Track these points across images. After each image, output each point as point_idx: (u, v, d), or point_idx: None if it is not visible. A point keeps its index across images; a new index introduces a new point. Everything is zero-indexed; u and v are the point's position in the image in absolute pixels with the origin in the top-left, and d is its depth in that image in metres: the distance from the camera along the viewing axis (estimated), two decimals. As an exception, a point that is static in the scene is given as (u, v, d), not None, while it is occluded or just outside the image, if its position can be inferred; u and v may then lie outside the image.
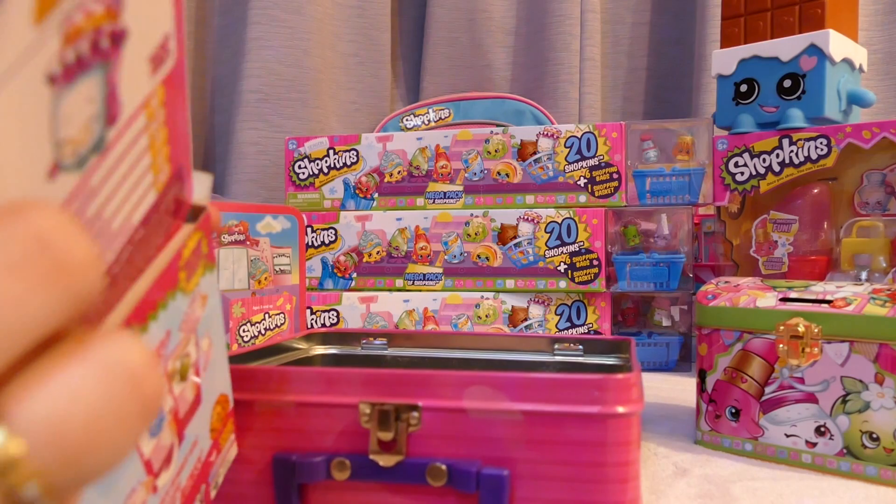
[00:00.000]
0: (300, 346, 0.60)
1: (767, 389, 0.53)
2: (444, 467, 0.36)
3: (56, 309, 0.12)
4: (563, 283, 0.90)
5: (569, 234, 0.89)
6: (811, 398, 0.51)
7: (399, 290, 0.95)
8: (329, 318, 0.96)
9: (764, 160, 0.81)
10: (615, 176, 0.89)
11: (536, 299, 0.91)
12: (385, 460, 0.37)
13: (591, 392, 0.36)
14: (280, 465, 0.38)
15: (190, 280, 0.25)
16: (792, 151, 0.79)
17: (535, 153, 0.91)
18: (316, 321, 0.96)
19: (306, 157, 0.98)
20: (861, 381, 0.49)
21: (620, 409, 0.36)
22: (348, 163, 0.97)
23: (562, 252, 0.89)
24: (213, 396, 0.30)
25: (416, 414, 0.37)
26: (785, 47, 0.79)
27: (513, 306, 0.91)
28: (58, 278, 0.12)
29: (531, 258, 0.90)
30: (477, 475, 0.36)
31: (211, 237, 0.28)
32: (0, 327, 0.12)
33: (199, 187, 0.26)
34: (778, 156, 0.80)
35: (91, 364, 0.13)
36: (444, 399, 0.37)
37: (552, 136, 0.91)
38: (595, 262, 0.88)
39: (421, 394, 0.37)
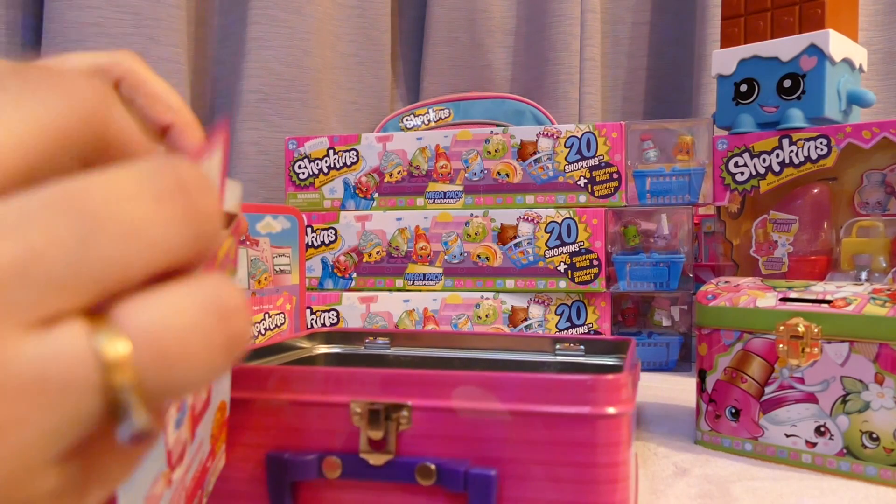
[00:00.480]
0: (303, 345, 0.60)
1: (767, 389, 0.53)
2: (433, 466, 0.36)
3: (185, 243, 0.14)
4: (563, 283, 0.90)
5: (569, 234, 0.89)
6: (811, 398, 0.51)
7: (399, 290, 0.95)
8: (329, 318, 0.96)
9: (764, 160, 0.81)
10: (615, 176, 0.89)
11: (536, 299, 0.91)
12: (375, 459, 0.37)
13: (581, 393, 0.36)
14: (273, 463, 0.38)
15: None
16: (792, 151, 0.79)
17: (535, 153, 0.91)
18: (316, 321, 0.96)
19: (306, 157, 0.98)
20: (861, 381, 0.49)
21: (610, 410, 0.36)
22: (348, 163, 0.97)
23: (562, 252, 0.89)
24: (217, 401, 0.30)
25: (405, 413, 0.37)
26: (785, 47, 0.79)
27: (513, 306, 0.91)
28: (192, 217, 0.14)
29: (531, 258, 0.90)
30: (465, 475, 0.36)
31: (238, 243, 0.29)
32: (142, 246, 0.13)
33: (231, 195, 0.27)
34: (778, 156, 0.80)
35: (192, 291, 0.14)
36: (434, 399, 0.37)
37: (552, 136, 0.91)
38: (595, 262, 0.88)
39: (411, 393, 0.37)
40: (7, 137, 0.13)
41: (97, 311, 0.13)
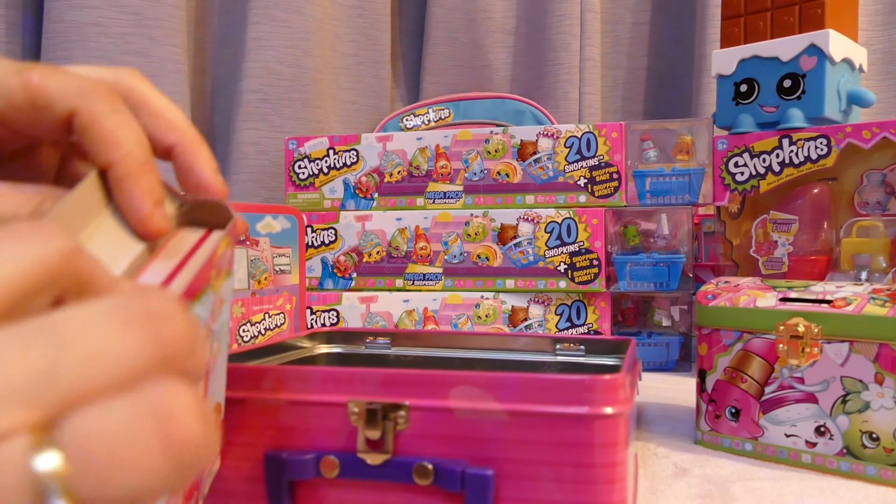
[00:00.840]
0: (304, 345, 0.60)
1: (767, 389, 0.53)
2: (430, 466, 0.36)
3: (149, 360, 0.15)
4: (563, 283, 0.90)
5: (569, 234, 0.89)
6: (811, 398, 0.51)
7: (399, 290, 0.95)
8: (329, 318, 0.96)
9: (764, 160, 0.81)
10: (615, 176, 0.89)
11: (536, 299, 0.91)
12: (373, 458, 0.37)
13: (578, 393, 0.36)
14: (271, 462, 0.38)
15: (217, 279, 0.27)
16: (792, 151, 0.79)
17: (535, 153, 0.91)
18: (316, 321, 0.96)
19: (306, 157, 0.98)
20: (861, 381, 0.49)
21: (608, 410, 0.36)
22: (348, 163, 0.97)
23: (562, 252, 0.89)
24: (212, 403, 0.30)
25: (403, 413, 0.37)
26: (785, 47, 0.79)
27: (513, 306, 0.91)
28: (159, 340, 0.15)
29: (531, 258, 0.90)
30: (462, 474, 0.36)
31: (234, 244, 0.29)
32: (106, 365, 0.14)
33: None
34: (778, 156, 0.80)
35: (130, 397, 0.14)
36: (432, 398, 0.37)
37: (552, 136, 0.91)
38: (595, 262, 0.88)
39: (409, 393, 0.37)
40: None
41: (47, 422, 0.14)
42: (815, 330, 0.50)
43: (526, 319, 0.91)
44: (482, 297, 0.92)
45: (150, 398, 0.15)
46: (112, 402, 0.14)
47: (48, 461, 0.13)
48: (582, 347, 0.58)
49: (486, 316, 0.92)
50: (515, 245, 0.91)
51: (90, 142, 0.24)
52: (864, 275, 0.73)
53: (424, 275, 0.94)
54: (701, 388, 0.56)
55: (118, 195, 0.24)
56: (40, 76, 0.24)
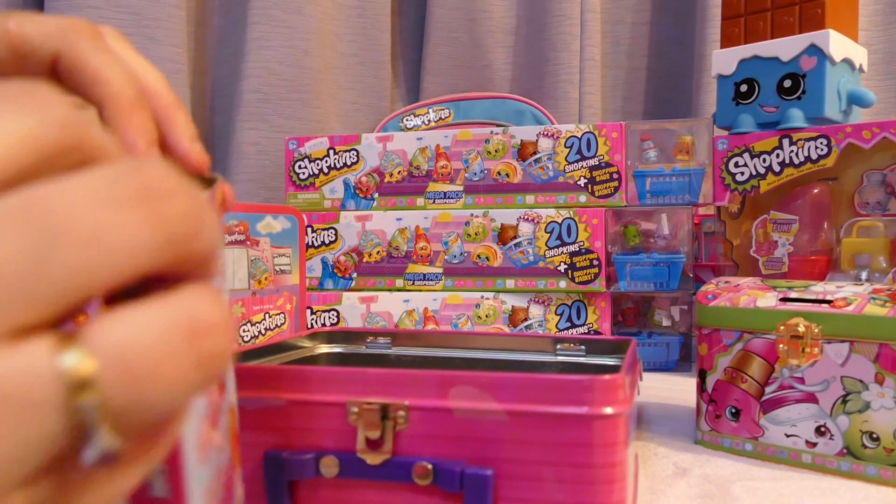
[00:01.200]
0: (305, 345, 0.60)
1: (767, 389, 0.53)
2: (429, 466, 0.36)
3: (154, 248, 0.14)
4: (563, 283, 0.90)
5: (569, 234, 0.89)
6: (811, 398, 0.51)
7: (399, 290, 0.95)
8: (329, 318, 0.96)
9: (764, 160, 0.81)
10: (615, 176, 0.89)
11: (536, 299, 0.91)
12: (372, 458, 0.37)
13: (578, 393, 0.36)
14: (271, 462, 0.38)
15: None
16: (792, 151, 0.79)
17: (535, 153, 0.91)
18: (316, 321, 0.96)
19: (306, 157, 0.98)
20: (861, 381, 0.49)
21: (608, 410, 0.36)
22: (348, 163, 0.97)
23: (562, 252, 0.89)
24: (227, 404, 0.30)
25: (402, 413, 0.37)
26: (785, 47, 0.79)
27: (513, 306, 0.91)
28: (160, 220, 0.14)
29: (531, 258, 0.90)
30: (461, 475, 0.36)
31: (222, 212, 0.28)
32: (103, 254, 0.13)
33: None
34: (778, 156, 0.80)
35: (162, 308, 0.14)
36: (431, 399, 0.37)
37: (552, 136, 0.91)
38: (595, 262, 0.88)
39: (408, 393, 0.37)
40: None
41: (67, 330, 0.13)
42: (816, 330, 0.50)
43: (526, 319, 0.91)
44: (482, 297, 0.92)
45: (183, 309, 0.14)
46: (143, 309, 0.14)
47: (81, 366, 0.13)
48: (582, 347, 0.58)
49: (487, 316, 0.92)
50: (515, 245, 0.91)
51: (77, 83, 0.23)
52: (864, 275, 0.73)
53: (424, 275, 0.94)
54: (701, 388, 0.56)
55: (112, 134, 0.23)
56: (17, 23, 0.23)
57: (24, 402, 0.12)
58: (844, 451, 0.50)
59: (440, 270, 0.93)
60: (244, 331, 0.73)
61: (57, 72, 0.23)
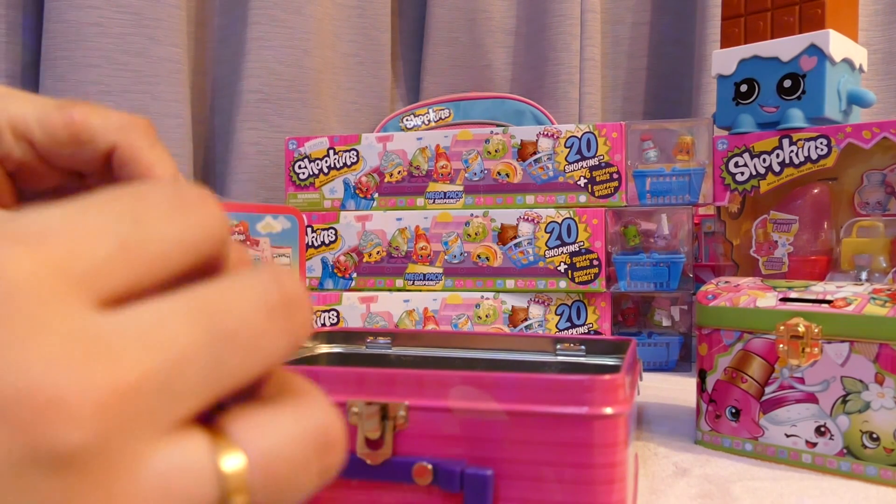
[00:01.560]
0: (305, 345, 0.60)
1: (767, 389, 0.53)
2: (429, 466, 0.36)
3: (286, 353, 0.15)
4: (563, 283, 0.90)
5: (569, 234, 0.89)
6: (811, 398, 0.51)
7: (399, 290, 0.95)
8: (329, 318, 0.96)
9: (764, 160, 0.81)
10: (615, 176, 0.89)
11: (536, 299, 0.91)
12: (372, 458, 0.37)
13: (578, 393, 0.36)
14: None
15: None
16: (792, 151, 0.79)
17: (535, 153, 0.91)
18: (316, 321, 0.96)
19: (306, 157, 0.98)
20: (861, 381, 0.49)
21: (607, 410, 0.36)
22: (348, 163, 0.97)
23: (562, 252, 0.89)
24: None
25: (403, 413, 0.37)
26: (785, 47, 0.79)
27: (513, 306, 0.91)
28: (294, 330, 0.15)
29: (531, 258, 0.90)
30: (461, 475, 0.36)
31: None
32: (259, 358, 0.14)
33: None
34: (778, 156, 0.80)
35: (302, 419, 0.15)
36: (431, 398, 0.37)
37: (552, 136, 0.91)
38: (595, 262, 0.88)
39: (408, 393, 0.37)
40: (159, 246, 0.14)
41: (207, 422, 0.14)
42: (816, 330, 0.50)
43: (526, 319, 0.91)
44: (482, 297, 0.92)
45: (319, 424, 0.15)
46: (283, 415, 0.15)
47: (235, 465, 0.13)
48: (582, 347, 0.58)
49: (487, 316, 0.92)
50: (515, 245, 0.91)
51: (129, 175, 0.25)
52: (864, 275, 0.73)
53: (424, 275, 0.94)
54: (701, 388, 0.56)
55: None
56: (82, 113, 0.24)
57: (185, 500, 0.13)
58: (844, 451, 0.50)
59: (440, 270, 0.93)
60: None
61: (110, 160, 0.25)
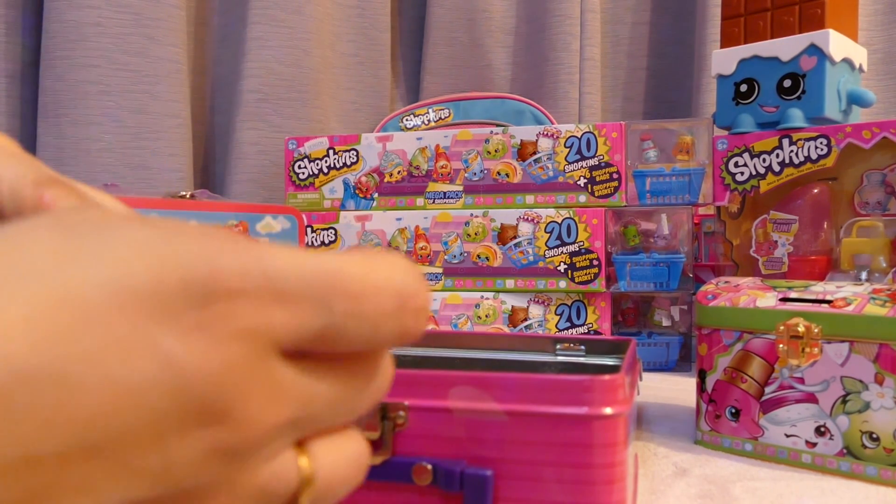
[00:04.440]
0: None
1: (767, 389, 0.53)
2: (429, 466, 0.36)
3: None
4: (563, 283, 0.90)
5: (569, 234, 0.89)
6: (811, 398, 0.51)
7: (399, 290, 0.94)
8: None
9: (764, 160, 0.81)
10: (615, 176, 0.89)
11: (536, 299, 0.91)
12: (372, 458, 0.37)
13: (577, 393, 0.36)
14: None
15: None
16: (792, 151, 0.79)
17: (535, 153, 0.91)
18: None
19: (306, 157, 0.98)
20: (861, 381, 0.49)
21: (607, 411, 0.36)
22: (348, 163, 0.97)
23: (562, 252, 0.89)
24: None
25: (402, 413, 0.37)
26: (785, 47, 0.79)
27: (513, 306, 0.91)
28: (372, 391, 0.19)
29: (531, 258, 0.90)
30: (461, 475, 0.36)
31: None
32: (362, 408, 0.19)
33: None
34: (778, 156, 0.80)
35: (354, 449, 0.19)
36: (431, 399, 0.37)
37: (552, 136, 0.91)
38: (595, 262, 0.88)
39: (408, 393, 0.37)
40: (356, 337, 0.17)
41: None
42: (816, 330, 0.50)
43: (526, 319, 0.91)
44: (482, 297, 0.92)
45: (363, 453, 0.19)
46: (344, 444, 0.18)
47: (309, 471, 0.17)
48: (582, 347, 0.58)
49: (486, 316, 0.92)
50: (515, 245, 0.91)
51: None
52: (864, 275, 0.73)
53: (424, 275, 0.94)
54: (701, 388, 0.56)
55: None
56: (52, 196, 0.23)
57: (275, 498, 0.17)
58: (844, 451, 0.50)
59: (440, 270, 0.93)
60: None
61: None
